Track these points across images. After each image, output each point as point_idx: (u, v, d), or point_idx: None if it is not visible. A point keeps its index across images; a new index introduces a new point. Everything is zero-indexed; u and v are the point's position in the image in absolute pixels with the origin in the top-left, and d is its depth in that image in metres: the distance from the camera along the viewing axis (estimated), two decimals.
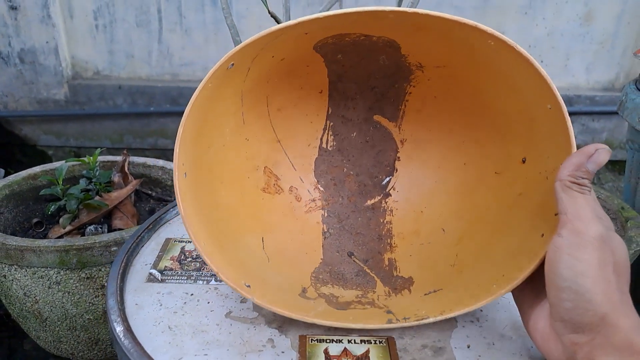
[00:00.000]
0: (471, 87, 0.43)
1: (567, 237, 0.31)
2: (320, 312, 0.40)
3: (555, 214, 0.35)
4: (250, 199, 0.48)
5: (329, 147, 0.51)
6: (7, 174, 1.19)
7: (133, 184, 0.95)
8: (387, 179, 0.51)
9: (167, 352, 0.38)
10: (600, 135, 1.61)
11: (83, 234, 0.88)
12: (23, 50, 1.50)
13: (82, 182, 0.92)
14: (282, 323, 0.41)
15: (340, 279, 0.46)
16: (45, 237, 0.89)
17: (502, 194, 0.43)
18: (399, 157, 0.51)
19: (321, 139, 0.51)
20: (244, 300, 0.44)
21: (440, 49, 0.40)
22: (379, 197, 0.51)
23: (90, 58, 1.56)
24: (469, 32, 0.34)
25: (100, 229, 0.89)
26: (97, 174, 0.93)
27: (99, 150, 0.95)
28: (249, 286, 0.39)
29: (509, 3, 1.49)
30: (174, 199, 0.47)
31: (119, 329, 0.40)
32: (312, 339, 0.39)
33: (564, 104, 0.34)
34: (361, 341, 0.39)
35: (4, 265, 0.79)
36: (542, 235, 0.36)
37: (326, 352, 0.38)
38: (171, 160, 1.08)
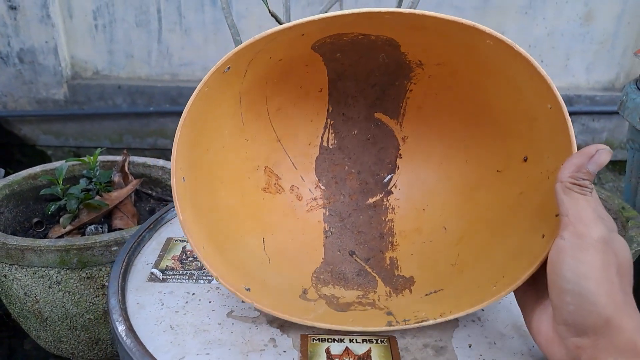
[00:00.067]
0: (472, 85, 0.43)
1: (569, 240, 0.31)
2: (320, 314, 0.40)
3: (556, 215, 0.35)
4: (250, 200, 0.48)
5: (330, 146, 0.51)
6: (6, 174, 1.19)
7: (133, 183, 0.95)
8: (389, 176, 0.51)
9: (169, 351, 0.38)
10: (601, 135, 1.61)
11: (83, 234, 0.88)
12: (22, 50, 1.50)
13: (82, 182, 0.92)
14: (283, 322, 0.41)
15: (341, 278, 0.46)
16: (45, 236, 0.89)
17: (503, 193, 0.43)
18: (400, 155, 0.51)
19: (322, 138, 0.51)
20: None
21: (439, 47, 0.40)
22: (380, 195, 0.51)
23: (89, 58, 1.56)
24: (467, 31, 0.34)
25: (100, 229, 0.89)
26: (97, 173, 0.93)
27: (99, 150, 0.95)
28: (249, 289, 0.39)
29: (509, 3, 1.49)
30: None
31: (120, 328, 0.39)
32: (313, 339, 0.39)
33: (564, 104, 0.34)
34: (363, 340, 0.39)
35: (4, 265, 0.79)
36: (543, 236, 0.36)
37: (328, 351, 0.38)
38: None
